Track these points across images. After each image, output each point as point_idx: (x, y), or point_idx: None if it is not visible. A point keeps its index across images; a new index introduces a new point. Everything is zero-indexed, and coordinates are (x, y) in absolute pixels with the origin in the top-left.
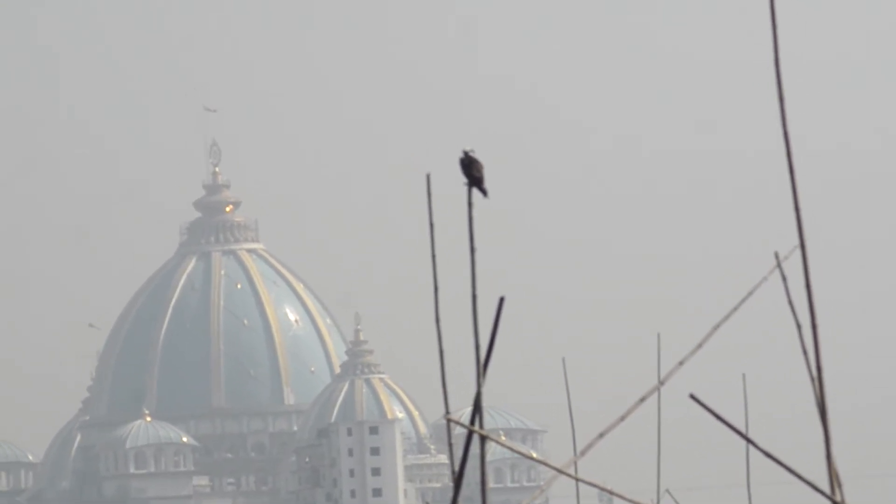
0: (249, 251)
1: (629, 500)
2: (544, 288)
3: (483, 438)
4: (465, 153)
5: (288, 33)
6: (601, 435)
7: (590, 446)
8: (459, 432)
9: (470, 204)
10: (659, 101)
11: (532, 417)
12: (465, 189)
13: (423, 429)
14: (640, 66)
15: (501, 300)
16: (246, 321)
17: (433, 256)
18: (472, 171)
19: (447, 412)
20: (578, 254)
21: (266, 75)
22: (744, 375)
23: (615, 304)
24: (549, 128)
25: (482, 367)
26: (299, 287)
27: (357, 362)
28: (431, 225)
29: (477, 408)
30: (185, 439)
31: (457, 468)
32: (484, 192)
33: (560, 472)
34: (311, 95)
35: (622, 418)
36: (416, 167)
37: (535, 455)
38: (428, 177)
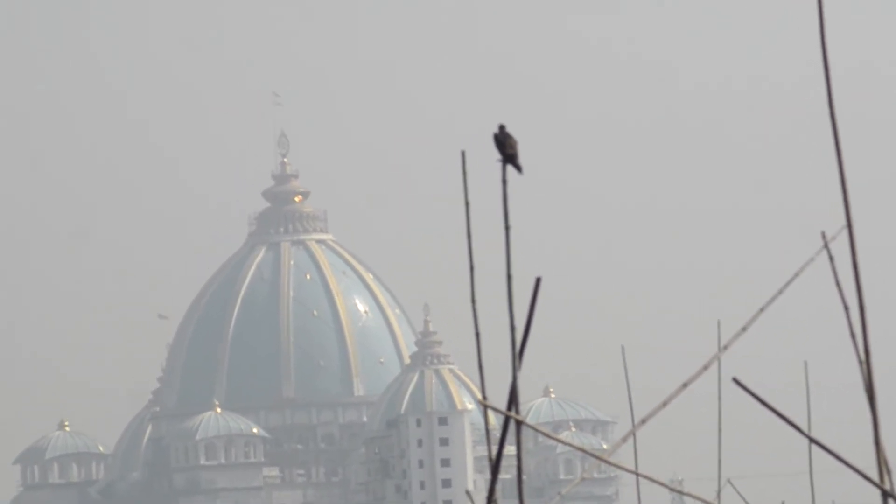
0: (318, 241)
1: (690, 495)
2: (612, 279)
3: (519, 424)
4: (500, 129)
5: (353, 23)
6: (643, 421)
7: (630, 434)
8: (533, 423)
9: (504, 181)
10: (710, 72)
11: (603, 408)
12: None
13: (493, 419)
14: (695, 39)
15: (538, 281)
16: (315, 312)
17: (468, 236)
18: (505, 147)
19: (483, 397)
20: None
21: (333, 65)
22: (805, 363)
23: (671, 285)
24: (596, 100)
25: (518, 351)
26: (368, 277)
27: (426, 353)
28: (467, 203)
29: (513, 393)
30: (255, 430)
31: (497, 455)
32: (518, 168)
33: (603, 460)
34: (378, 85)
35: (664, 404)
36: (482, 152)
37: (605, 447)
38: (463, 154)
